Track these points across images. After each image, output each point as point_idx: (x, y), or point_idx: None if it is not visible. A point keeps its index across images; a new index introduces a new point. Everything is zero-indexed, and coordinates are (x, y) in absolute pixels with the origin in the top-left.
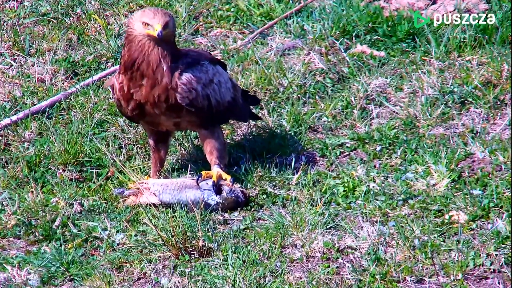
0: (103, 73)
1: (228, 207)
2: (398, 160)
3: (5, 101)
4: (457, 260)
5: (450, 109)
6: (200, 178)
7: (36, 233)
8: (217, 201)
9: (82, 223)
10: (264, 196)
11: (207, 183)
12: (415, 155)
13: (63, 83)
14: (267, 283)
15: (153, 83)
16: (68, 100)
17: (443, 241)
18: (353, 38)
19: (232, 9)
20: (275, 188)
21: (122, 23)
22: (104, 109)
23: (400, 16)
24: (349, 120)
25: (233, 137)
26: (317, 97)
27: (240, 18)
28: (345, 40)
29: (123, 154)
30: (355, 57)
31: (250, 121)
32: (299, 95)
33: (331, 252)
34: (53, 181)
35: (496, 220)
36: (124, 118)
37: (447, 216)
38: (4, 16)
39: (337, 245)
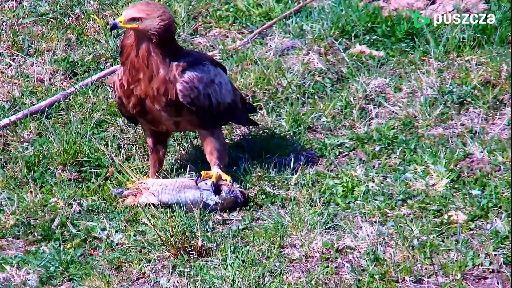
0: (102, 73)
1: (227, 207)
2: (397, 160)
3: (4, 101)
4: (456, 260)
5: (449, 109)
6: (199, 178)
7: (35, 233)
8: (216, 201)
9: (81, 223)
10: (263, 196)
11: (206, 183)
12: (414, 155)
13: (62, 83)
14: (266, 283)
15: (150, 75)
16: (67, 100)
17: (442, 241)
18: (352, 38)
19: (231, 9)
20: (274, 188)
21: None
22: (103, 109)
23: (399, 16)
24: (348, 120)
25: (232, 137)
26: (316, 97)
27: (239, 18)
28: (344, 40)
29: (122, 154)
30: (354, 57)
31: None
32: (298, 95)
33: (330, 252)
34: (52, 181)
35: (495, 220)
36: (123, 118)
37: (446, 216)
38: (3, 16)
39: (336, 245)
